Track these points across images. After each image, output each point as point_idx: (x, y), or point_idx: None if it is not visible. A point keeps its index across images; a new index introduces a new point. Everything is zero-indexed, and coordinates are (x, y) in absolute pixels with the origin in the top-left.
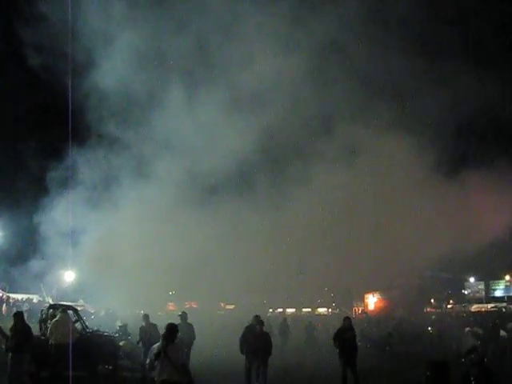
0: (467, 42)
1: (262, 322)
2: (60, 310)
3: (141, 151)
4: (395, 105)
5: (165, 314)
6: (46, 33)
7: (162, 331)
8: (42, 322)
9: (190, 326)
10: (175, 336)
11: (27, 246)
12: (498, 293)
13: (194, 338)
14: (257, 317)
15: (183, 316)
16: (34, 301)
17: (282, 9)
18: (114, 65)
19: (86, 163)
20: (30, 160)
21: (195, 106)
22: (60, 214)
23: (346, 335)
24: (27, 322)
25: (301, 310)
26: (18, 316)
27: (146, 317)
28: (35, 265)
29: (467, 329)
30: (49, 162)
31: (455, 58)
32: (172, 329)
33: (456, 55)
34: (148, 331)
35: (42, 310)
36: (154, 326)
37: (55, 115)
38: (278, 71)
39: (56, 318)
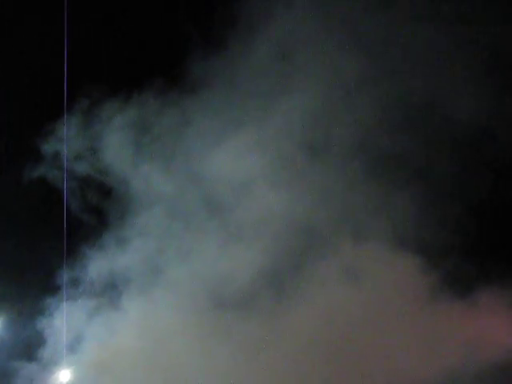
0: None
1: None
2: None
3: (145, 256)
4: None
5: None
6: None
7: None
8: None
9: None
10: None
11: (20, 344)
12: None
13: None
14: None
15: None
16: None
17: None
18: None
19: (85, 261)
20: (21, 258)
21: None
22: (57, 311)
23: None
24: None
25: None
26: None
27: None
28: (27, 363)
29: None
30: (44, 262)
31: None
32: None
33: None
34: None
35: None
36: None
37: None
38: None
39: None
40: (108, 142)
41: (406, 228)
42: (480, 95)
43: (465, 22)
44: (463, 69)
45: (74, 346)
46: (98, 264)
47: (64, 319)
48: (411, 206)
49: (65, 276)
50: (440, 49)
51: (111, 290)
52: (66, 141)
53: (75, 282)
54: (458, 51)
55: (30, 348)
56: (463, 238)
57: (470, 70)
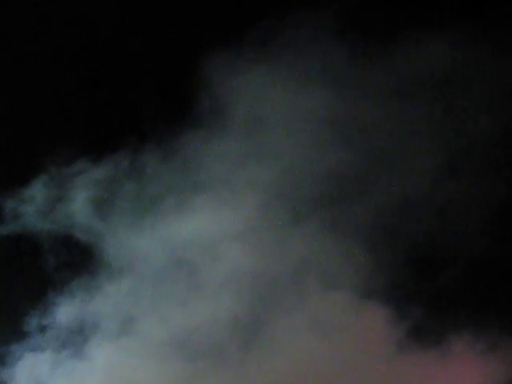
0: None
1: None
2: None
3: (114, 300)
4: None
5: None
6: None
7: None
8: None
9: None
10: None
11: None
12: None
13: None
14: None
15: None
16: None
17: None
18: None
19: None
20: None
21: None
22: (22, 359)
23: None
24: None
25: None
26: None
27: None
28: None
29: None
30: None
31: None
32: None
33: None
34: None
35: None
36: None
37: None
38: None
39: None
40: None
41: (374, 277)
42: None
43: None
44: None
45: None
46: (65, 311)
47: (28, 368)
48: (375, 255)
49: (31, 323)
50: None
51: (78, 338)
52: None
53: (41, 329)
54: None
55: None
56: (431, 286)
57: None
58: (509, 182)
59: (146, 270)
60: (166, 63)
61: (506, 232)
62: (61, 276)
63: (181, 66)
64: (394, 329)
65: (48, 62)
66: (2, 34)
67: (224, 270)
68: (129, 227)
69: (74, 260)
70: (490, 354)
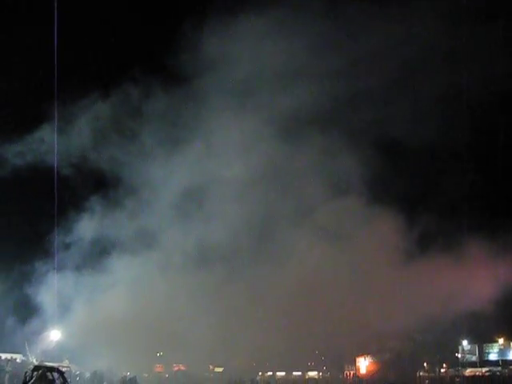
0: None
1: None
2: (38, 373)
3: (133, 218)
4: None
5: (152, 375)
6: None
7: None
8: None
9: None
10: None
11: (12, 304)
12: (492, 356)
13: None
14: None
15: None
16: (18, 360)
17: None
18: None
19: (76, 226)
20: (19, 221)
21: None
22: (48, 274)
23: None
24: (9, 383)
25: (291, 374)
26: None
27: (133, 381)
28: (20, 322)
29: None
30: (40, 223)
31: None
32: None
33: None
34: None
35: (26, 372)
36: None
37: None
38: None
39: (31, 382)
40: None
41: (384, 183)
42: None
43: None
44: None
45: (64, 307)
46: (87, 228)
47: (55, 281)
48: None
49: (56, 240)
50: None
51: (100, 254)
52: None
53: (65, 246)
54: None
55: (22, 309)
56: (444, 193)
57: None
58: None
59: (165, 191)
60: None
61: None
62: (81, 195)
63: None
64: (404, 235)
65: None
66: None
67: (236, 181)
68: (149, 154)
69: (96, 182)
70: (503, 257)
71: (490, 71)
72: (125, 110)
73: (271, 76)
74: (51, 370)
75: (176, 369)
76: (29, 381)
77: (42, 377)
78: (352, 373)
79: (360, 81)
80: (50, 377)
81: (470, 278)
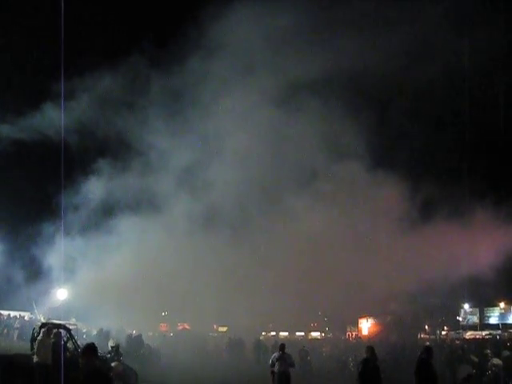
0: None
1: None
2: (46, 328)
3: (139, 181)
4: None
5: (157, 334)
6: None
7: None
8: (34, 340)
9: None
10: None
11: (20, 263)
12: (493, 320)
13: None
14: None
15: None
16: (26, 318)
17: None
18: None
19: (83, 188)
20: (25, 183)
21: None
22: (55, 234)
23: (370, 367)
24: (18, 339)
25: (294, 334)
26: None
27: (138, 338)
28: (27, 281)
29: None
30: (45, 185)
31: None
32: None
33: None
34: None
35: (34, 329)
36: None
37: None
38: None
39: (39, 338)
40: None
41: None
42: None
43: None
44: None
45: (71, 267)
46: (94, 190)
47: (62, 241)
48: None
49: (62, 199)
50: None
51: (107, 215)
52: None
53: (72, 206)
54: None
55: (29, 268)
56: (451, 161)
57: None
58: None
59: (171, 156)
60: None
61: None
62: (88, 157)
63: None
64: (409, 201)
65: None
66: None
67: (241, 147)
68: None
69: (103, 146)
70: (506, 223)
71: None
72: (131, 79)
73: (274, 46)
74: (58, 326)
75: (180, 328)
76: (37, 337)
77: (50, 332)
78: (354, 334)
79: (364, 50)
80: (57, 333)
81: (473, 244)
